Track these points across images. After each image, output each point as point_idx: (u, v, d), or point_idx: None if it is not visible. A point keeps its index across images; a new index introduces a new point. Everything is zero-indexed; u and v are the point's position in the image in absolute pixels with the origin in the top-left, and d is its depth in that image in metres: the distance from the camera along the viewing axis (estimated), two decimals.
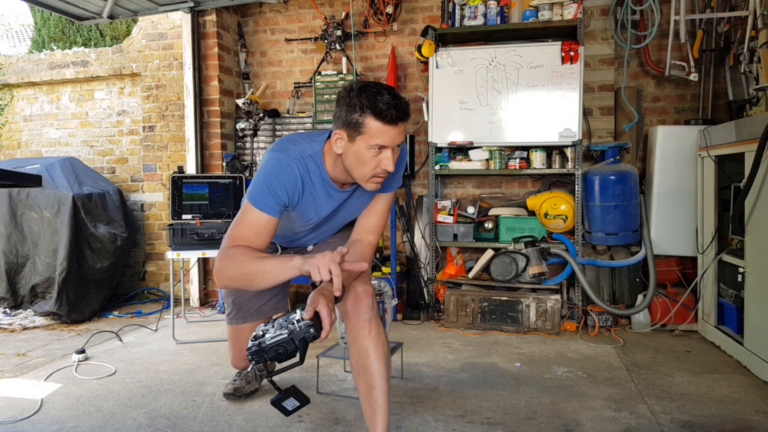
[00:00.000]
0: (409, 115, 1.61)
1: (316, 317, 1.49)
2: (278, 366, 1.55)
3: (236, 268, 1.58)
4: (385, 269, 3.99)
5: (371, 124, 1.54)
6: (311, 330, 1.46)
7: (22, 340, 3.54)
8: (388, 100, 1.53)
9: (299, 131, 4.55)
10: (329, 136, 1.72)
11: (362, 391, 1.79)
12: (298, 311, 1.50)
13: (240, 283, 1.61)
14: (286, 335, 1.45)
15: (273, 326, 1.49)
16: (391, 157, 1.59)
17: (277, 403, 1.54)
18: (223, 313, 4.14)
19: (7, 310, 4.05)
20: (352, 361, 1.82)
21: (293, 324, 1.47)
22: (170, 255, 3.31)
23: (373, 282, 2.66)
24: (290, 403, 1.55)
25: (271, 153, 1.71)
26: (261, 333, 1.49)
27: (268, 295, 2.17)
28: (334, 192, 1.76)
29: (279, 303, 2.20)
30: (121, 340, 3.47)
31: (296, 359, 1.48)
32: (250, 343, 1.47)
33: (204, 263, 4.55)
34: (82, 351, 3.07)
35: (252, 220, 1.66)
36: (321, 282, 1.49)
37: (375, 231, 1.86)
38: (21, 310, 4.05)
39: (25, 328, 3.82)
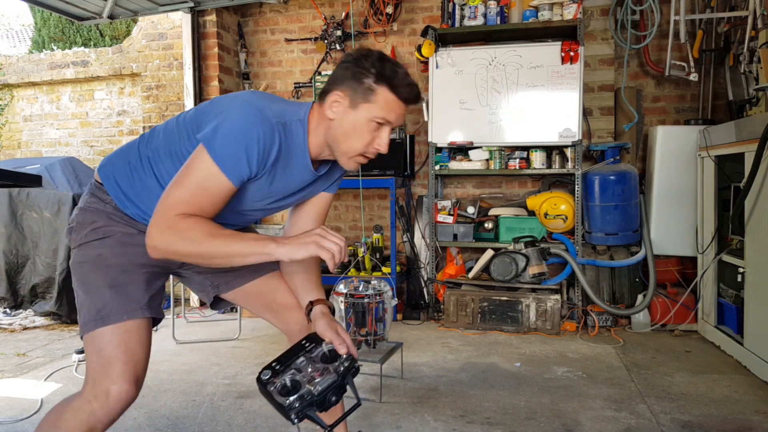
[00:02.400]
0: (420, 101, 1.48)
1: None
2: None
3: (189, 246, 1.27)
4: (385, 269, 4.00)
5: (384, 94, 1.35)
6: (356, 364, 1.28)
7: (22, 340, 3.54)
8: (406, 76, 1.37)
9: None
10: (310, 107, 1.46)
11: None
12: (319, 345, 1.31)
13: (189, 260, 1.34)
14: (336, 378, 1.22)
15: (302, 372, 1.26)
16: (387, 137, 1.40)
17: None
18: (223, 313, 4.16)
19: (7, 310, 4.05)
20: None
21: (332, 362, 1.27)
22: None
23: (372, 282, 2.68)
24: None
25: (245, 105, 1.34)
26: (292, 384, 1.22)
27: (160, 281, 1.56)
28: (307, 170, 1.46)
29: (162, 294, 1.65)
30: None
31: (354, 401, 1.28)
32: (286, 402, 1.19)
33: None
34: (82, 351, 3.07)
35: (212, 186, 1.29)
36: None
37: None
38: (21, 310, 4.05)
39: (25, 328, 3.82)
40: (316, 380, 1.21)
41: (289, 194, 1.51)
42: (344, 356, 1.27)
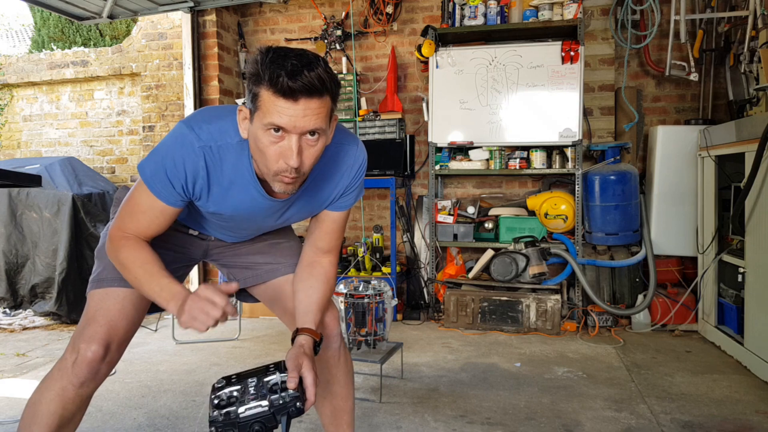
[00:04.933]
0: (324, 90, 1.15)
1: (299, 383, 1.21)
2: None
3: (121, 268, 1.34)
4: (385, 269, 3.99)
5: (265, 95, 1.14)
6: (297, 404, 1.17)
7: (22, 341, 3.53)
8: (290, 66, 1.11)
9: None
10: None
11: (327, 414, 1.69)
12: (276, 373, 1.22)
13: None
14: (266, 409, 1.15)
15: (244, 391, 1.19)
16: (293, 146, 1.16)
17: None
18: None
19: (7, 310, 4.05)
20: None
21: (275, 393, 1.18)
22: None
23: (372, 282, 2.68)
24: None
25: (176, 128, 1.30)
26: (227, 399, 1.18)
27: (178, 266, 1.62)
28: (260, 195, 1.35)
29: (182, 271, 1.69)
30: None
31: None
32: (213, 412, 1.16)
33: (204, 264, 4.54)
34: None
35: (145, 206, 1.33)
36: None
37: (333, 250, 1.54)
38: (21, 311, 4.04)
39: (24, 329, 3.82)
40: (248, 405, 1.16)
41: (260, 217, 1.45)
42: (290, 392, 1.18)
